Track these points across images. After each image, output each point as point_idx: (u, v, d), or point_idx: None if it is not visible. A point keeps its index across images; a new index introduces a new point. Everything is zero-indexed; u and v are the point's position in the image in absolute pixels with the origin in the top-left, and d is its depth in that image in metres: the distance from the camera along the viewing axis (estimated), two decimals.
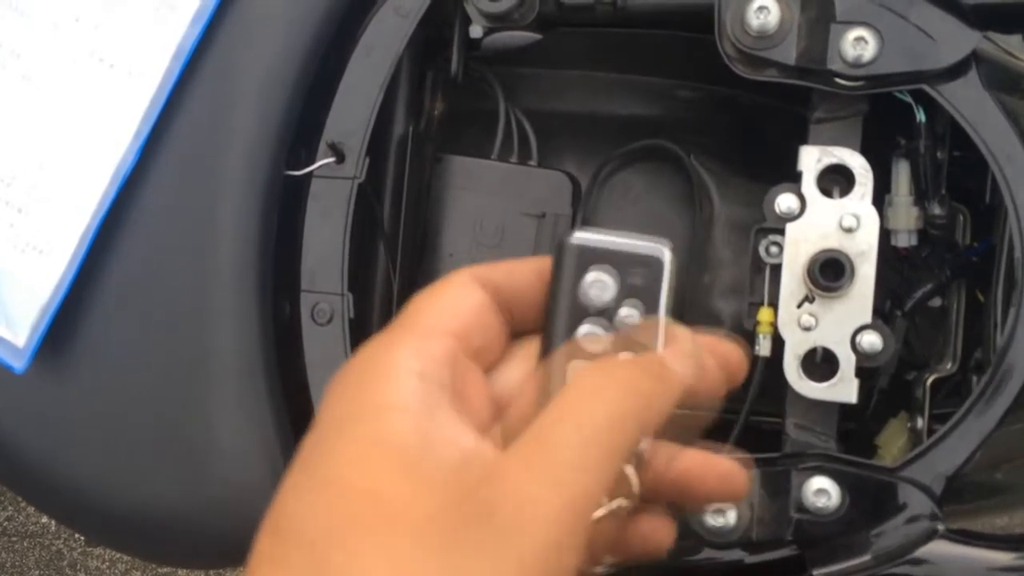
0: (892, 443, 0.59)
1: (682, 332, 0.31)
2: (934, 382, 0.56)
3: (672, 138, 0.66)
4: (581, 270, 0.31)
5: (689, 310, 0.61)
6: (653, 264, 0.31)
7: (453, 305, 0.32)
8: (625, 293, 0.31)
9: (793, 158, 0.57)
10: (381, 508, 0.27)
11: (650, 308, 0.31)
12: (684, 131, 0.67)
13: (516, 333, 0.33)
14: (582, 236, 0.31)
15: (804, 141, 0.55)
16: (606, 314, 0.31)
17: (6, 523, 1.68)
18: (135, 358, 0.59)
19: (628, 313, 0.31)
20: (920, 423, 0.56)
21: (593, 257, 0.31)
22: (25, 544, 1.67)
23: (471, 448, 0.28)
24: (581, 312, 0.31)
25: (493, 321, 0.32)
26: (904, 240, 0.57)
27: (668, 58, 0.67)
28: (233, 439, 0.59)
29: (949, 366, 0.57)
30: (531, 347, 0.33)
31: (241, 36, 0.60)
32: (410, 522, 0.27)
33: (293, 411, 0.60)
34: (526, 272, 0.33)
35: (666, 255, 0.31)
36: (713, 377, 0.33)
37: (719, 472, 0.34)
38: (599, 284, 0.31)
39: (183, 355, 0.59)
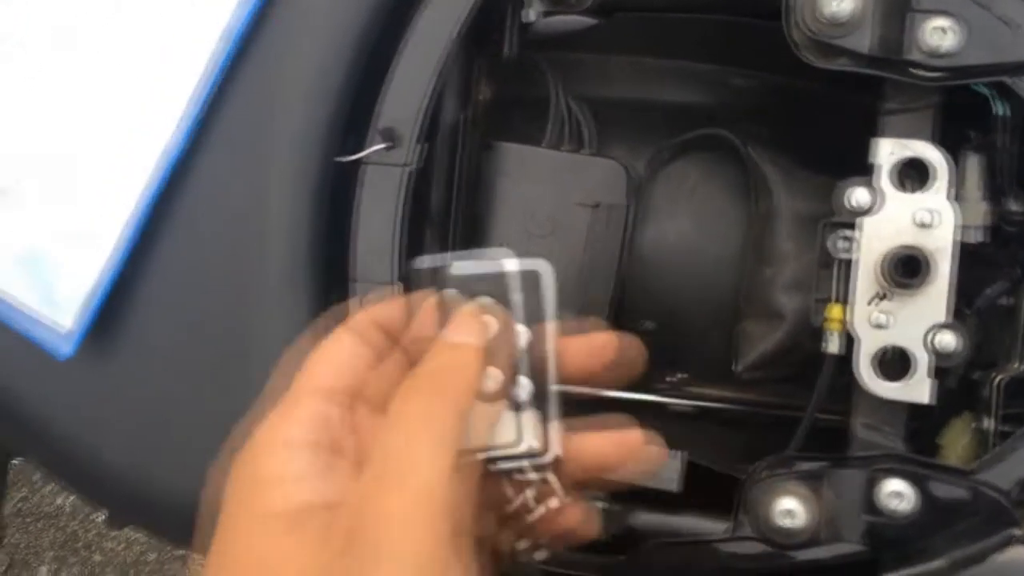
0: (955, 443, 0.57)
1: (464, 306, 0.33)
2: (1004, 383, 0.55)
3: (726, 127, 0.64)
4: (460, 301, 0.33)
5: (749, 304, 0.60)
6: (532, 282, 0.33)
7: (338, 364, 0.34)
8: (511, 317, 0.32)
9: (853, 150, 0.55)
10: (267, 571, 0.29)
11: (535, 325, 0.33)
12: (737, 120, 0.66)
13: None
14: (459, 267, 0.33)
15: (868, 132, 0.54)
16: None
17: (21, 504, 1.67)
18: (182, 346, 0.58)
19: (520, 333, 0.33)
20: (987, 423, 0.54)
21: (474, 286, 0.33)
22: (40, 525, 1.67)
23: (344, 490, 0.30)
24: None
25: (389, 364, 0.34)
26: (973, 236, 0.55)
27: (723, 44, 0.65)
28: None
29: (1017, 365, 0.55)
30: None
31: (292, 18, 0.58)
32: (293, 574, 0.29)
33: None
34: (416, 304, 0.35)
35: (545, 270, 0.33)
36: (579, 358, 0.36)
37: (635, 443, 0.37)
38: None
39: (230, 344, 0.58)
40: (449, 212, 0.61)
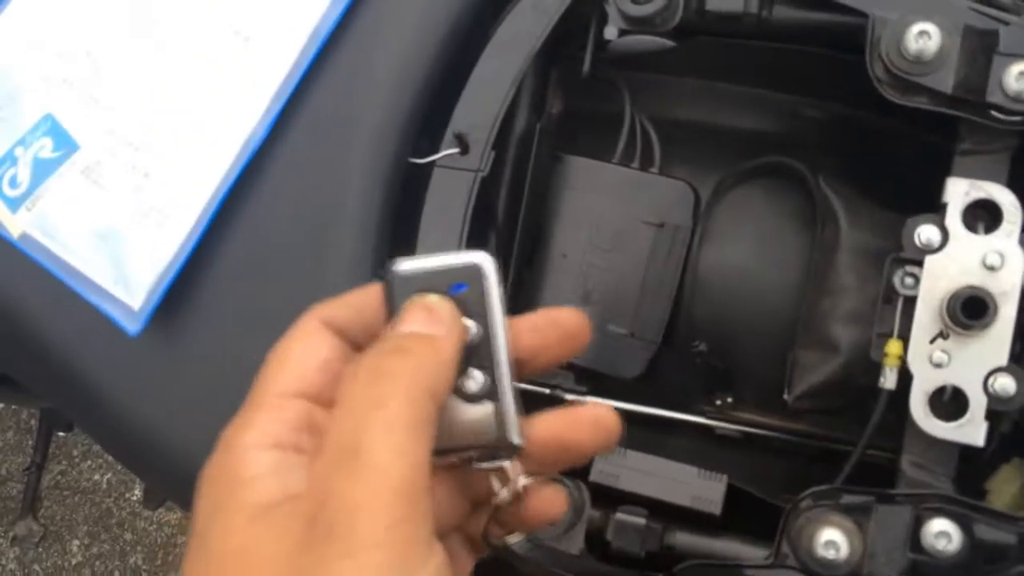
0: (1004, 490, 0.57)
1: (429, 300, 0.34)
2: None
3: (794, 157, 0.65)
4: (410, 297, 0.33)
5: (805, 333, 0.60)
6: (477, 275, 0.33)
7: (300, 365, 0.34)
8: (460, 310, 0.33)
9: (920, 187, 0.55)
10: (248, 560, 0.30)
11: (485, 318, 0.33)
12: (806, 150, 0.66)
13: None
14: (400, 264, 0.33)
15: (937, 170, 0.54)
16: None
17: (59, 477, 1.71)
18: (248, 332, 0.59)
19: (468, 326, 0.33)
20: None
21: (419, 282, 0.33)
22: (76, 499, 1.70)
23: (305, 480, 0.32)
24: None
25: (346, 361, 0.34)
26: None
27: (798, 74, 0.66)
28: None
29: None
30: None
31: (379, 20, 0.60)
32: (272, 563, 0.30)
33: None
34: (373, 303, 0.35)
35: (486, 263, 0.33)
36: (551, 340, 0.36)
37: (589, 419, 0.36)
38: None
39: None
40: (515, 219, 0.62)
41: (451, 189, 0.59)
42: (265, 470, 0.32)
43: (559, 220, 0.64)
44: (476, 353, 0.33)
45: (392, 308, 0.34)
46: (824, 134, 0.67)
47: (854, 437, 0.63)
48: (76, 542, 1.68)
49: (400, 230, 0.60)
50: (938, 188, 0.54)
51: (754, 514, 0.58)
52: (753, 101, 0.68)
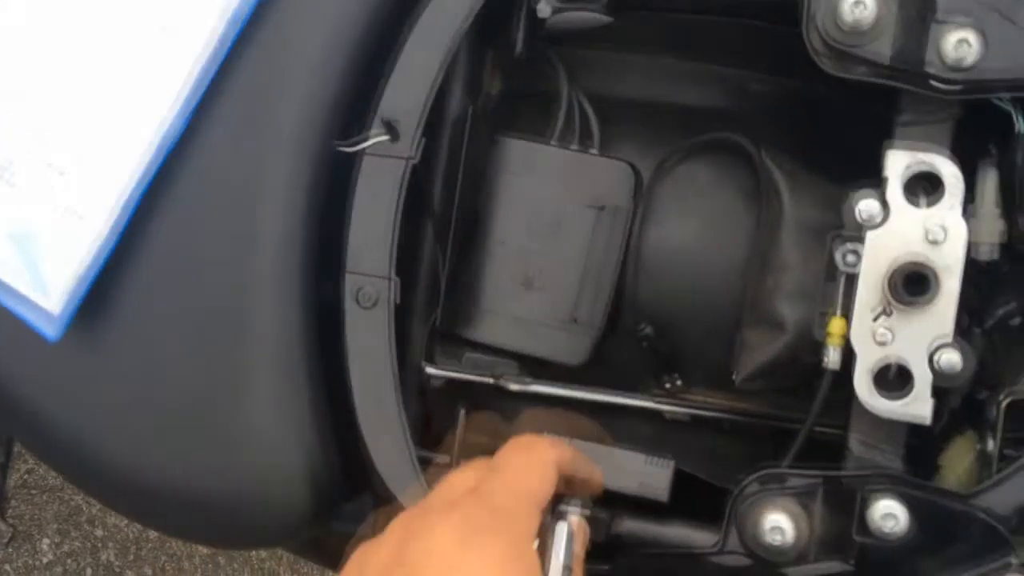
0: (957, 464, 0.56)
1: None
2: (1009, 404, 0.53)
3: (740, 132, 0.63)
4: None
5: (750, 312, 0.59)
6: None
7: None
8: None
9: (871, 161, 0.54)
10: None
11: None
12: (753, 125, 0.64)
13: None
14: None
15: (887, 143, 0.52)
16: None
17: (26, 476, 1.68)
18: (172, 331, 0.57)
19: None
20: (991, 446, 0.53)
21: None
22: (44, 498, 1.68)
23: None
24: None
25: None
26: (986, 253, 0.53)
27: (742, 48, 0.64)
28: (268, 422, 0.57)
29: None
30: None
31: (299, 4, 0.57)
32: None
33: (332, 396, 0.58)
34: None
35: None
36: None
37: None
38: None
39: (222, 331, 0.57)
40: (451, 206, 0.60)
41: (381, 177, 0.57)
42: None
43: (497, 205, 0.62)
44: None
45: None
46: (771, 108, 0.65)
47: (805, 415, 0.62)
48: (46, 540, 1.65)
49: (330, 220, 0.58)
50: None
51: (705, 497, 0.57)
52: (698, 76, 0.66)
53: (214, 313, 0.57)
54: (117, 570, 1.61)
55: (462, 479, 0.44)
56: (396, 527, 0.42)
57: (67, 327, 0.55)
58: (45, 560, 1.65)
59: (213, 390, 0.57)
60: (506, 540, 0.40)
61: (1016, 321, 0.55)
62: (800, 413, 0.61)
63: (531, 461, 0.44)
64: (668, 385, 0.63)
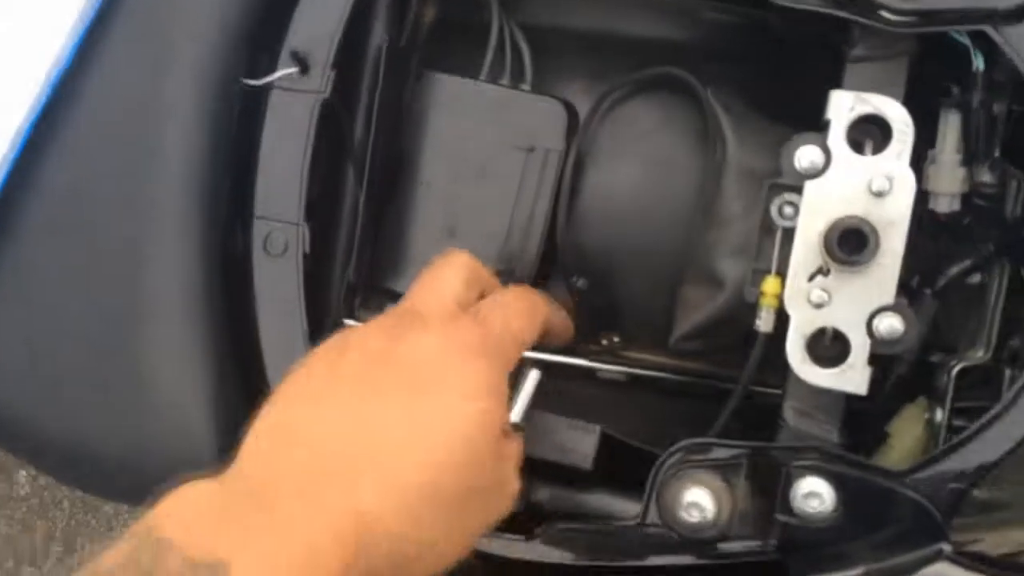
0: (906, 433, 0.52)
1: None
2: (961, 371, 0.49)
3: (691, 67, 0.57)
4: None
5: (690, 267, 0.54)
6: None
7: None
8: None
9: (822, 100, 0.49)
10: None
11: None
12: (706, 59, 0.59)
13: None
14: None
15: (839, 83, 0.47)
16: None
17: None
18: (66, 284, 0.54)
19: None
20: (939, 416, 0.49)
21: None
22: None
23: None
24: None
25: None
26: (945, 205, 0.49)
27: None
28: (170, 375, 0.53)
29: (980, 354, 0.49)
30: None
31: None
32: None
33: (241, 347, 0.54)
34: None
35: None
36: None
37: None
38: None
39: (118, 283, 0.53)
40: (371, 146, 0.56)
41: (291, 115, 0.53)
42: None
43: (422, 145, 0.57)
44: None
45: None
46: (722, 39, 0.59)
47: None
48: (23, 472, 1.65)
49: (237, 161, 0.54)
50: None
51: (635, 464, 0.53)
52: (643, 3, 0.60)
53: (110, 263, 0.53)
54: (93, 502, 1.61)
55: (461, 296, 0.45)
56: (387, 321, 0.43)
57: None
58: (22, 492, 1.65)
59: (110, 341, 0.54)
60: (490, 366, 0.41)
61: (975, 279, 0.50)
62: (742, 372, 0.57)
63: (527, 307, 0.46)
64: (605, 342, 0.59)
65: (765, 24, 0.59)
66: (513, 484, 0.43)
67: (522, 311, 0.46)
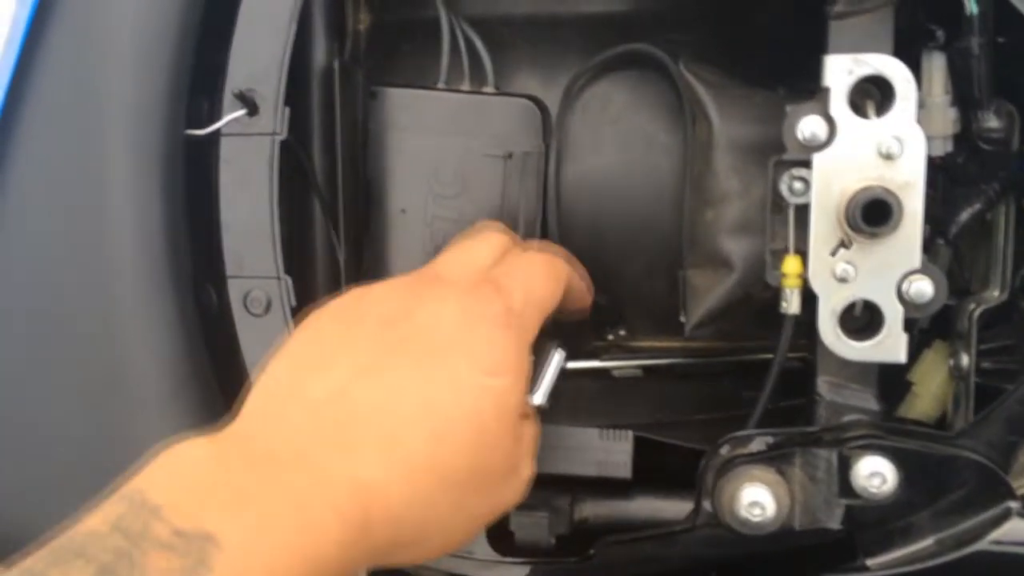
0: (929, 380, 0.52)
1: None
2: (980, 314, 0.48)
3: (652, 37, 0.55)
4: None
5: (692, 250, 0.52)
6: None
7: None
8: None
9: (800, 50, 0.47)
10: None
11: None
12: (663, 27, 0.56)
13: None
14: None
15: (816, 28, 0.45)
16: None
17: None
18: (32, 377, 0.49)
19: None
20: (965, 361, 0.48)
21: None
22: None
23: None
24: None
25: None
26: (939, 148, 0.47)
27: None
28: None
29: (996, 293, 0.49)
30: None
31: None
32: None
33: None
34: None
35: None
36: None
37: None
38: None
39: (90, 367, 0.49)
40: (336, 179, 0.52)
41: (246, 161, 0.48)
42: None
43: (389, 169, 0.53)
44: None
45: None
46: (679, 4, 0.56)
47: (759, 344, 0.57)
48: None
49: (198, 218, 0.49)
50: (816, 48, 0.46)
51: (671, 460, 0.52)
52: None
53: (77, 348, 0.49)
54: None
55: (482, 258, 0.43)
56: (406, 283, 0.41)
57: None
58: None
59: (90, 433, 0.50)
60: (511, 337, 0.39)
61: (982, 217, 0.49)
62: (755, 343, 0.56)
63: (550, 273, 0.43)
64: (611, 337, 0.57)
65: None
66: (527, 470, 0.41)
67: (545, 277, 0.43)
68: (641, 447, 0.51)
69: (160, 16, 0.47)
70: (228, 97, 0.48)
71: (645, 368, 0.56)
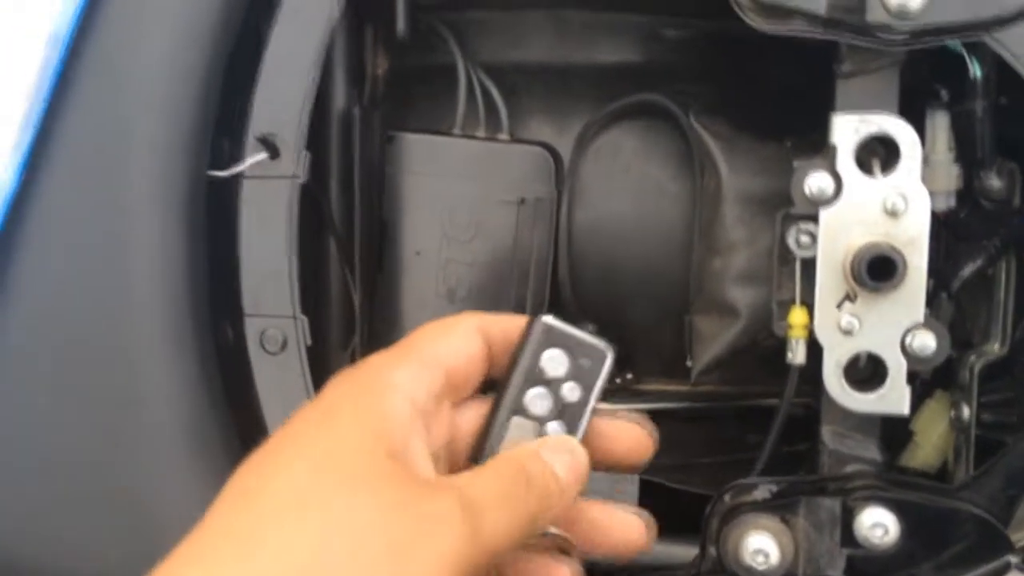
0: (930, 430, 0.53)
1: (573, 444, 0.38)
2: (981, 367, 0.49)
3: (662, 87, 0.56)
4: (544, 345, 0.39)
5: (699, 297, 0.53)
6: (599, 357, 0.40)
7: (455, 345, 0.37)
8: (572, 374, 0.39)
9: (805, 105, 0.48)
10: (374, 485, 0.31)
11: (587, 390, 0.40)
12: (675, 78, 0.58)
13: (488, 381, 0.39)
14: (551, 319, 0.39)
15: (822, 83, 0.47)
16: (553, 385, 0.39)
17: None
18: (52, 409, 0.50)
19: (570, 388, 0.39)
20: (966, 413, 0.49)
21: (556, 337, 0.39)
22: None
23: (425, 476, 0.34)
24: (535, 377, 0.39)
25: (480, 367, 0.38)
26: (942, 203, 0.48)
27: None
28: (179, 493, 0.50)
29: (996, 347, 0.50)
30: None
31: (132, 7, 0.48)
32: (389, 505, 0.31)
33: (246, 445, 0.51)
34: (516, 330, 0.39)
35: (610, 354, 0.40)
36: (625, 449, 0.42)
37: (620, 522, 0.41)
38: (556, 360, 0.39)
39: (109, 402, 0.50)
40: (353, 221, 0.53)
41: (267, 203, 0.49)
42: (401, 417, 0.34)
43: (404, 212, 0.54)
44: (565, 412, 0.39)
45: (526, 344, 0.39)
46: (690, 56, 0.58)
47: (765, 389, 0.58)
48: None
49: (216, 257, 0.50)
50: (823, 102, 0.47)
51: (677, 504, 0.53)
52: (605, 27, 0.58)
53: (98, 385, 0.50)
54: None
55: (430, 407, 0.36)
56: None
57: None
58: None
59: (109, 469, 0.50)
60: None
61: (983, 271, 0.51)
62: (761, 387, 0.57)
63: (544, 493, 0.36)
64: (619, 380, 0.58)
65: (727, 35, 0.58)
66: None
67: (537, 498, 0.35)
68: (646, 490, 0.51)
69: (188, 60, 0.48)
70: (250, 140, 0.49)
71: (652, 411, 0.57)
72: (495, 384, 0.39)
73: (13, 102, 0.47)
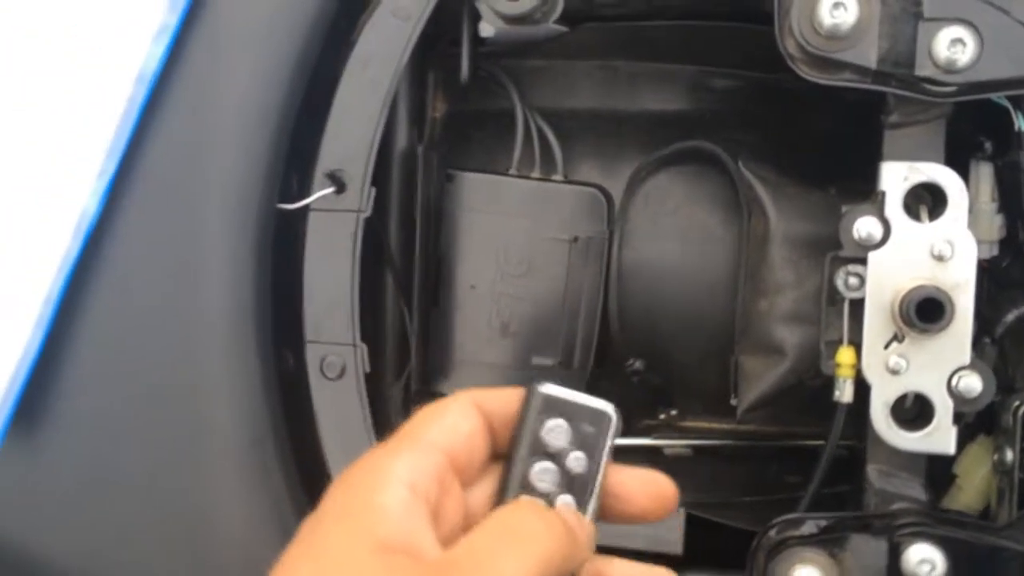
0: (973, 473, 0.53)
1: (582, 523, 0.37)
2: None
3: (710, 135, 0.58)
4: (544, 416, 0.38)
5: (745, 337, 0.55)
6: (603, 421, 0.38)
7: (452, 426, 0.37)
8: (576, 443, 0.37)
9: (852, 152, 0.50)
10: None
11: (592, 458, 0.38)
12: (722, 126, 0.60)
13: (497, 454, 0.38)
14: (548, 387, 0.38)
15: (868, 132, 0.48)
16: (558, 457, 0.37)
17: None
18: (120, 428, 0.52)
19: (575, 459, 0.37)
20: (1010, 456, 0.50)
21: (555, 406, 0.38)
22: None
23: (431, 558, 0.34)
24: (539, 450, 0.37)
25: (482, 444, 0.38)
26: (985, 252, 0.50)
27: (701, 44, 0.59)
28: (239, 512, 0.52)
29: None
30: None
31: (215, 51, 0.51)
32: None
33: (306, 475, 0.53)
34: (515, 402, 0.38)
35: (614, 417, 0.38)
36: (641, 508, 0.39)
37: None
38: (557, 431, 0.37)
39: (176, 422, 0.52)
40: (411, 253, 0.55)
41: (332, 235, 0.52)
42: (398, 506, 0.34)
43: (461, 247, 0.56)
44: (574, 484, 0.37)
45: (526, 417, 0.38)
46: (737, 104, 0.60)
47: (807, 430, 0.59)
48: None
49: (280, 285, 0.52)
50: (867, 151, 0.49)
51: (718, 534, 0.54)
52: (656, 76, 0.61)
53: (164, 402, 0.52)
54: None
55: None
56: None
57: (4, 434, 0.49)
58: None
59: (173, 484, 0.52)
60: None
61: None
62: (805, 428, 0.59)
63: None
64: (663, 416, 0.59)
65: (776, 84, 0.60)
66: None
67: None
68: (690, 523, 0.52)
69: (264, 100, 0.51)
70: (318, 175, 0.52)
71: (695, 448, 0.58)
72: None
73: (101, 133, 0.49)
